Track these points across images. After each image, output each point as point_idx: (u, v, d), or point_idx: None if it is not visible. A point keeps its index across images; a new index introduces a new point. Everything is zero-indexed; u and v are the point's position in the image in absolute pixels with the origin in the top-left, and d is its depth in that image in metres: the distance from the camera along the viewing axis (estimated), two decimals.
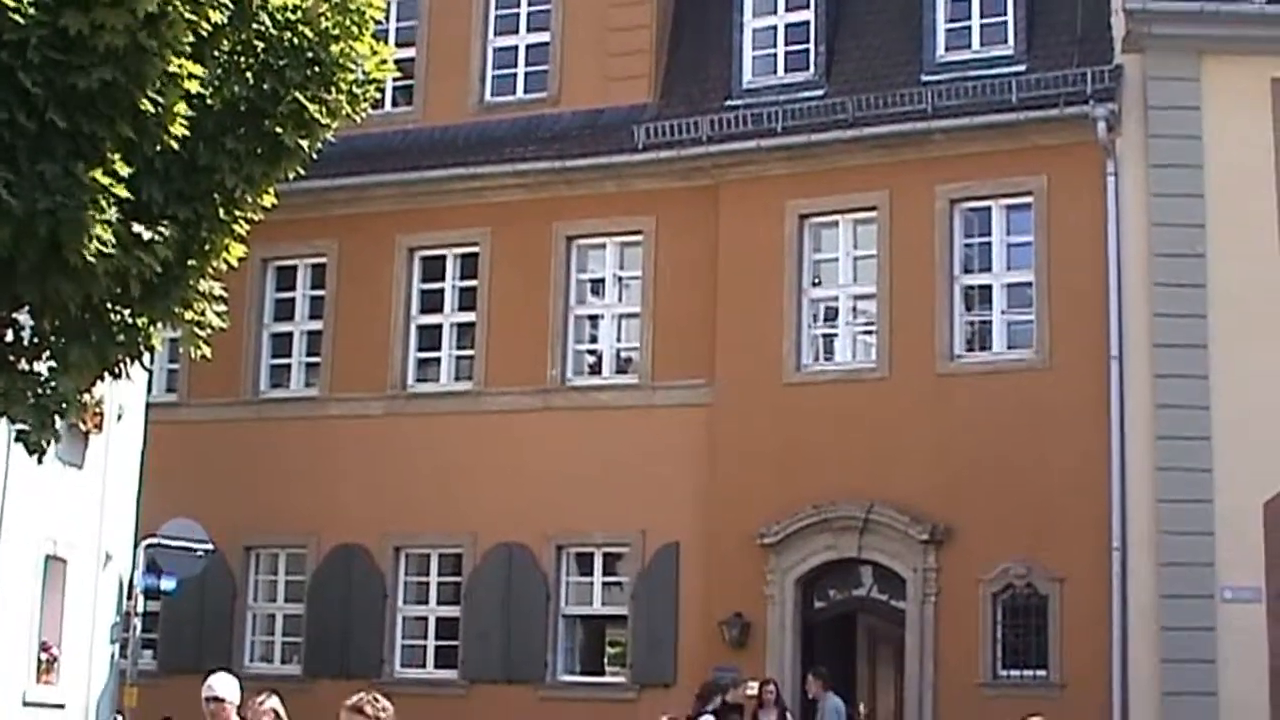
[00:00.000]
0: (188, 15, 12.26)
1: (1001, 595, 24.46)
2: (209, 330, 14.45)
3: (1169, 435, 23.45)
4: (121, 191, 12.22)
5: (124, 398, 24.37)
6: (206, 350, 14.54)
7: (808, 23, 27.22)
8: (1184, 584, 23.05)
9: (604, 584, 27.52)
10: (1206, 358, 23.47)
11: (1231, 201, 23.74)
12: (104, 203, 12.09)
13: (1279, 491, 23.03)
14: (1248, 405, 23.11)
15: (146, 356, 14.66)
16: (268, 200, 14.51)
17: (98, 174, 12.09)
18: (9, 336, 13.52)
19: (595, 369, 28.23)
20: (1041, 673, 24.06)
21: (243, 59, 13.75)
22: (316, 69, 13.87)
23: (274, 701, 11.58)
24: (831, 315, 26.67)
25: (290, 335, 30.09)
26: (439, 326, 29.03)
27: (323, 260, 29.72)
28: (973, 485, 24.50)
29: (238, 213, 14.14)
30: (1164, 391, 23.60)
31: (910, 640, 24.84)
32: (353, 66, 14.18)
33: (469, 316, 28.69)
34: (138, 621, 24.37)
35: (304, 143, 14.05)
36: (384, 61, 14.61)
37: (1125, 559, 23.60)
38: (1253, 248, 23.59)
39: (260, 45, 13.72)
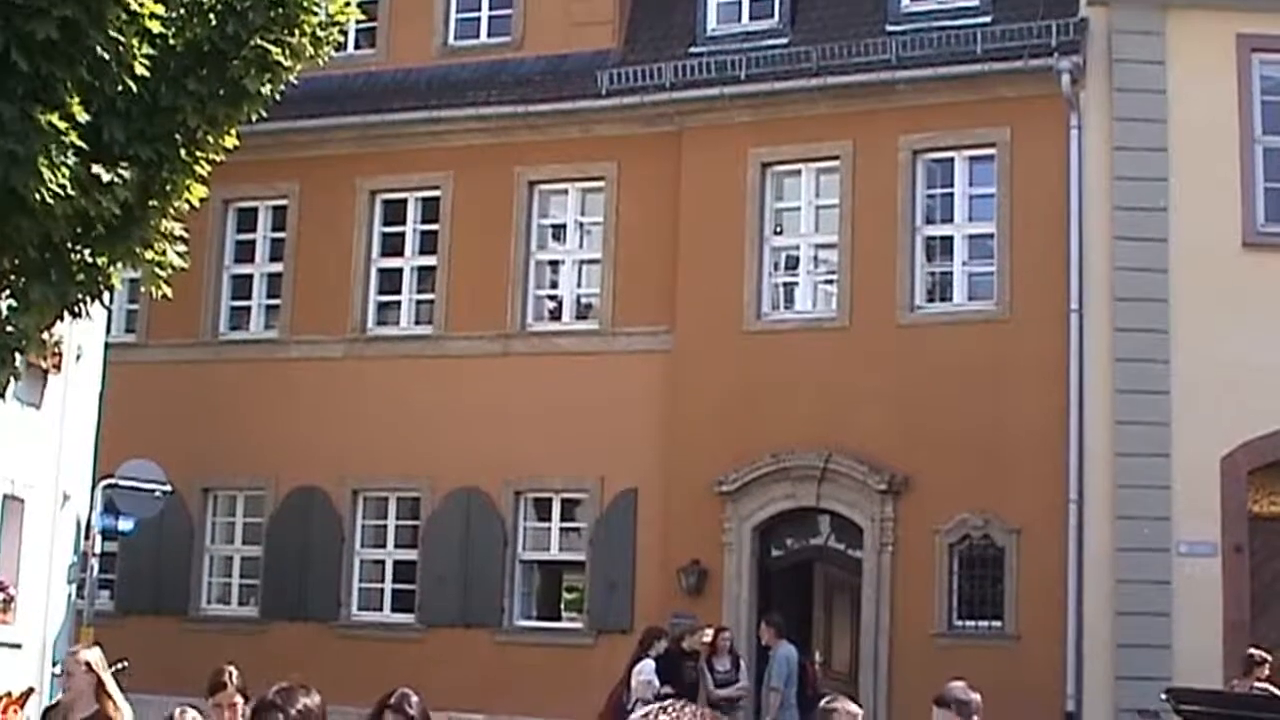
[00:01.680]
0: None
1: (958, 546, 24.55)
2: (169, 270, 14.40)
3: (1128, 389, 23.52)
4: (75, 139, 12.16)
5: (83, 338, 24.23)
6: (167, 290, 14.49)
7: None
8: (1140, 537, 23.15)
9: (561, 530, 27.54)
10: (1167, 312, 23.53)
11: (1195, 156, 23.77)
12: (61, 146, 12.03)
13: (1236, 447, 23.30)
14: (1207, 360, 23.19)
15: (106, 296, 14.64)
16: (229, 142, 14.45)
17: (54, 118, 12.03)
18: None
19: (555, 314, 28.20)
20: (997, 624, 24.17)
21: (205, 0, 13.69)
22: (280, 11, 13.80)
23: (91, 654, 11.61)
24: (793, 264, 26.67)
25: (250, 277, 30.00)
26: (399, 270, 28.96)
27: (284, 202, 29.61)
28: (931, 436, 24.56)
29: (199, 154, 14.08)
30: (1123, 345, 23.66)
31: (867, 589, 24.93)
32: (316, 9, 14.11)
33: (430, 260, 28.62)
34: (95, 562, 24.29)
35: (266, 85, 14.00)
36: (347, 4, 14.54)
37: (1082, 512, 23.67)
38: (1215, 202, 23.64)
39: None
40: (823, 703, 7.68)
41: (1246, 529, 23.30)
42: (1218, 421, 23.05)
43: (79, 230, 13.05)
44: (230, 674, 11.51)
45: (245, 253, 30.04)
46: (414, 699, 8.43)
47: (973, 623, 24.38)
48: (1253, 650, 19.87)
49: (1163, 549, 23.07)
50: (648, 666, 21.37)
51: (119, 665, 19.87)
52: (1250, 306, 23.31)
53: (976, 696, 8.83)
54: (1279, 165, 24.01)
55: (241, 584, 29.24)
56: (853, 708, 8.24)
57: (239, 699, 11.23)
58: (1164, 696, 17.55)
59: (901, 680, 24.30)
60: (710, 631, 23.18)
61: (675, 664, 21.78)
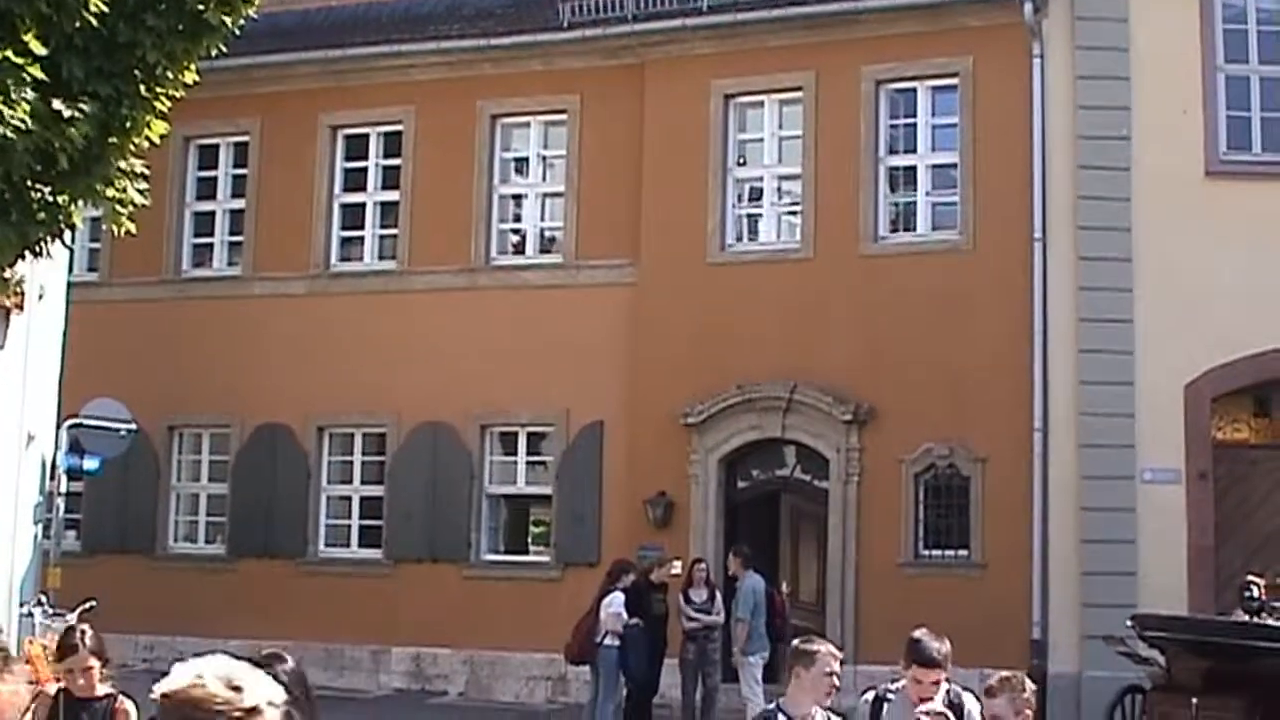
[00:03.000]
0: None
1: (924, 475, 24.63)
2: (131, 208, 14.31)
3: (1091, 318, 23.57)
4: (36, 72, 12.06)
5: (45, 277, 24.08)
6: (131, 226, 14.40)
7: None
8: (1105, 465, 23.25)
9: (528, 463, 27.56)
10: (1130, 241, 23.56)
11: (1157, 84, 23.77)
12: (20, 81, 11.93)
13: (1199, 374, 23.38)
14: (1170, 288, 23.25)
15: (68, 235, 14.55)
16: (189, 77, 14.34)
17: (10, 54, 11.93)
18: None
19: (519, 248, 28.16)
20: (963, 552, 24.28)
21: None
22: None
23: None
24: (756, 195, 26.64)
25: (212, 214, 29.89)
26: (362, 205, 28.88)
27: (245, 138, 29.50)
28: (896, 366, 24.61)
29: (159, 90, 13.97)
30: (1087, 274, 23.70)
31: (833, 520, 25.00)
32: None
33: (392, 195, 28.55)
34: (61, 502, 24.20)
35: (226, 19, 13.88)
36: None
37: (1047, 440, 23.74)
38: (1177, 131, 23.65)
39: None
40: (800, 644, 7.66)
41: (1210, 455, 23.40)
42: (1181, 349, 23.13)
43: (39, 168, 12.94)
44: (84, 635, 9.99)
45: (207, 190, 29.93)
46: (288, 663, 6.84)
47: (939, 552, 24.49)
48: (1249, 578, 19.93)
49: (1127, 476, 23.17)
50: (617, 599, 21.49)
51: (86, 605, 19.92)
52: (1213, 234, 23.35)
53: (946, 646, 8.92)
54: (1241, 93, 24.01)
55: (208, 522, 29.24)
56: (834, 649, 8.32)
57: (94, 662, 9.85)
58: (1129, 623, 17.65)
59: (868, 610, 24.41)
60: (678, 563, 23.26)
61: (644, 596, 21.92)
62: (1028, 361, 23.90)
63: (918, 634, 9.07)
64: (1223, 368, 23.24)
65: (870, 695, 8.57)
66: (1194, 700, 16.11)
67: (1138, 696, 17.29)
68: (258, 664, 4.58)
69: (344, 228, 28.91)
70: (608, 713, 21.48)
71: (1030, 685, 8.02)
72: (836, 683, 8.66)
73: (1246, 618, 18.29)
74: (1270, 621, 17.44)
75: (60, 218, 13.80)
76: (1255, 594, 18.92)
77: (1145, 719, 16.97)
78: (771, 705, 7.93)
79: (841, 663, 8.87)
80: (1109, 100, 23.83)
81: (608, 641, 21.43)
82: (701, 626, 22.23)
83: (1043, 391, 23.81)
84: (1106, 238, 23.59)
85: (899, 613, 24.00)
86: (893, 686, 9.28)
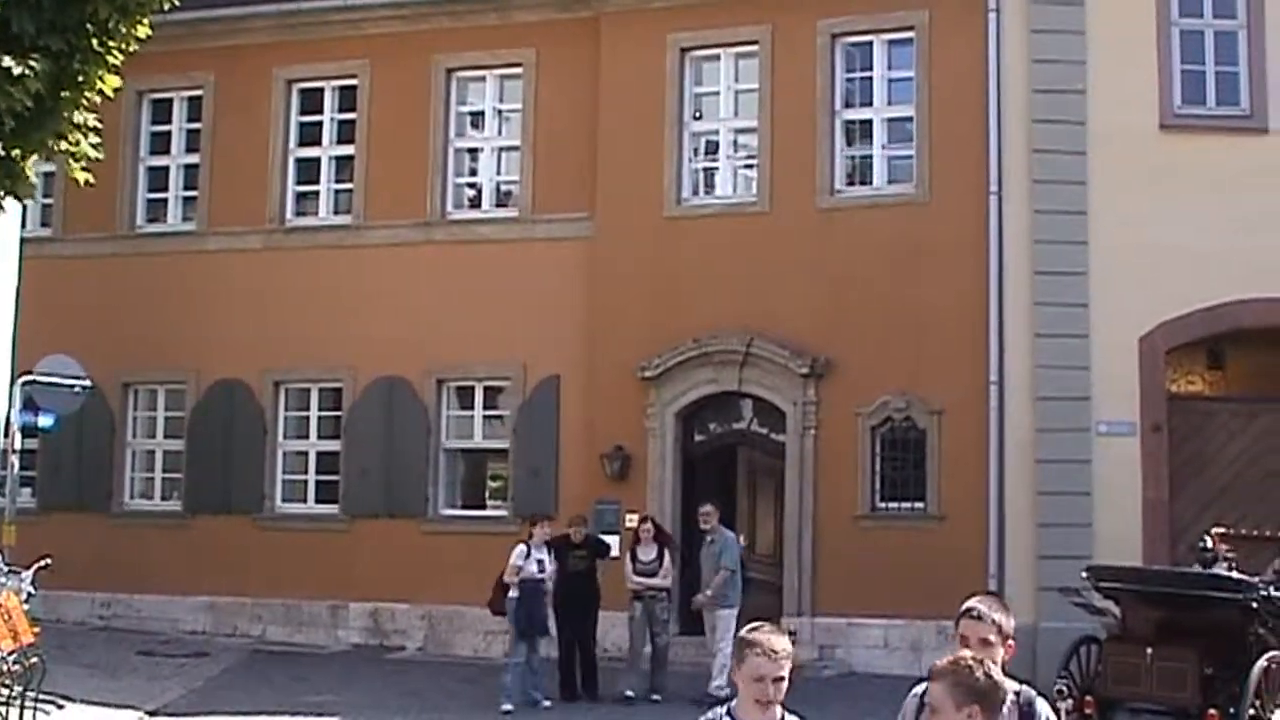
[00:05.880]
0: None
1: (880, 428, 24.69)
2: (85, 161, 14.26)
3: (1046, 271, 23.63)
4: None
5: None
6: (88, 176, 14.35)
7: None
8: (1060, 417, 23.34)
9: (485, 417, 27.53)
10: (1085, 194, 23.63)
11: (1112, 38, 23.80)
12: None
13: (1154, 327, 23.49)
14: (1125, 242, 23.32)
15: (21, 190, 14.48)
16: (142, 31, 14.29)
17: None
18: None
19: (475, 202, 28.09)
20: (919, 505, 24.35)
21: None
22: None
23: None
24: (712, 149, 26.60)
25: (166, 169, 29.73)
26: (317, 160, 28.77)
27: (199, 93, 29.35)
28: (853, 319, 24.65)
29: (111, 44, 13.93)
30: (1042, 227, 23.75)
31: (790, 473, 25.05)
32: None
33: (348, 150, 28.44)
34: (16, 459, 24.12)
35: None
36: None
37: (1003, 393, 23.80)
38: (1132, 85, 23.70)
39: None
40: (744, 633, 6.52)
41: (1165, 408, 23.52)
42: (1136, 302, 23.21)
43: None
44: None
45: (161, 144, 29.79)
46: None
47: (895, 504, 24.55)
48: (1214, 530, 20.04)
49: (1082, 429, 23.28)
50: (517, 551, 21.65)
51: (42, 563, 19.87)
52: (1167, 188, 23.43)
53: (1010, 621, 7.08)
54: (1196, 48, 24.07)
55: (164, 478, 29.14)
56: (775, 644, 6.34)
57: None
58: (1084, 574, 17.75)
59: (826, 562, 24.50)
60: (634, 517, 23.35)
61: (561, 553, 22.04)
62: (983, 314, 23.94)
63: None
64: (1177, 320, 23.34)
65: (919, 689, 6.99)
66: (1148, 650, 16.23)
67: (1093, 647, 17.38)
68: None
69: (299, 182, 28.80)
70: (512, 663, 21.46)
71: (996, 619, 7.17)
72: (772, 693, 6.53)
73: (1200, 568, 18.42)
74: (1222, 572, 17.55)
75: (13, 173, 13.75)
76: (1209, 545, 19.05)
77: (1100, 669, 17.05)
78: (722, 709, 6.90)
79: (793, 636, 7.06)
80: (1064, 54, 23.87)
81: (511, 593, 21.58)
82: (645, 588, 22.18)
83: (998, 344, 23.86)
84: (1061, 191, 23.64)
85: (856, 565, 24.18)
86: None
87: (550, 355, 26.49)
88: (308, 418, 28.35)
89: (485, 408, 27.50)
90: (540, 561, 21.72)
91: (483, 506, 27.58)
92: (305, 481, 28.22)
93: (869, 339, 24.49)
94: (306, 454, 28.33)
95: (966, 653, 6.31)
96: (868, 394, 24.52)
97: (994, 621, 6.92)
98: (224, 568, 27.57)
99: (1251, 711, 15.23)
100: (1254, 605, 15.72)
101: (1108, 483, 23.08)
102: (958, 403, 24.06)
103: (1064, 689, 16.66)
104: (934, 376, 24.22)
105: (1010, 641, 6.93)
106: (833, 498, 24.65)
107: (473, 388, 27.49)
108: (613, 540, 23.88)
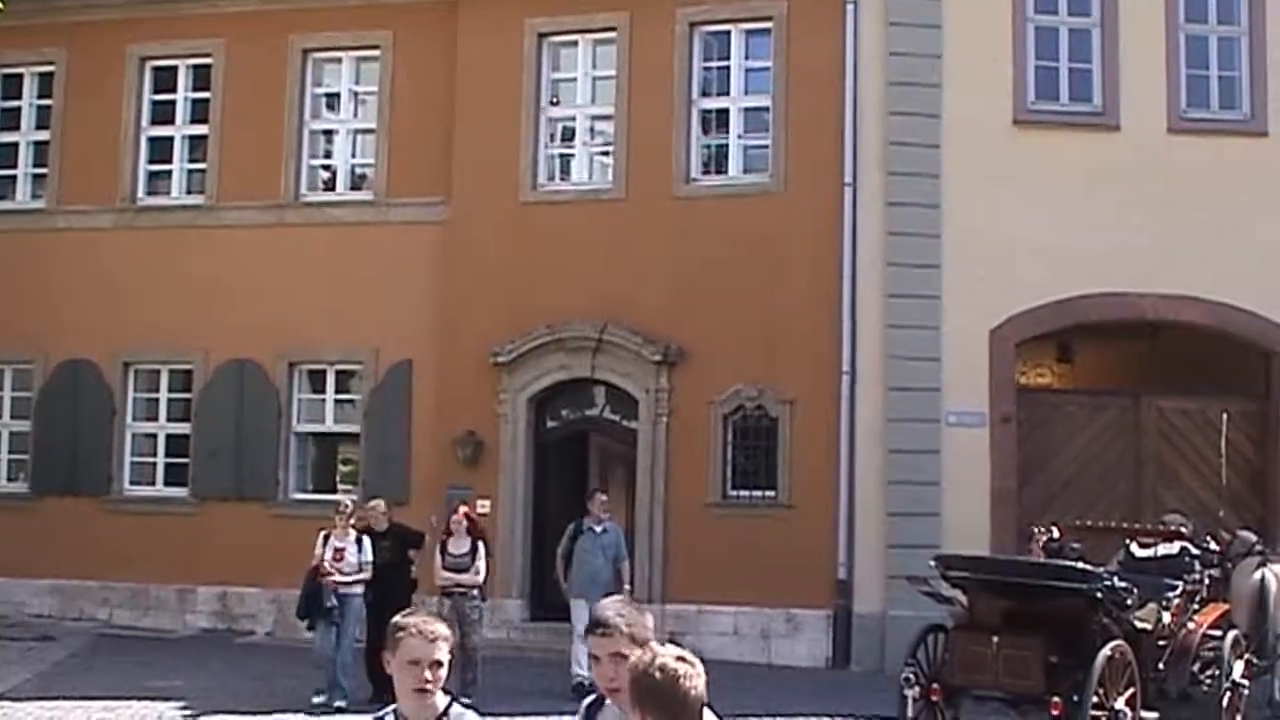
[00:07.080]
0: None
1: (732, 416, 24.78)
2: None
3: (899, 262, 23.81)
4: None
5: None
6: None
7: None
8: (910, 408, 23.53)
9: (336, 401, 27.38)
10: (938, 187, 23.83)
11: (968, 33, 24.01)
12: None
13: (1004, 320, 23.74)
14: (977, 235, 23.55)
15: None
16: None
17: None
18: None
19: (330, 185, 27.91)
20: (770, 493, 24.46)
21: None
22: None
23: None
24: (569, 135, 26.59)
25: (16, 146, 29.30)
26: (170, 139, 28.46)
27: (50, 69, 28.93)
28: (706, 307, 24.71)
29: None
30: (895, 219, 23.93)
31: (642, 460, 25.09)
32: None
33: (201, 129, 28.16)
34: None
35: None
36: None
37: (854, 382, 23.96)
38: (986, 80, 23.93)
39: None
40: (397, 618, 5.66)
41: (1014, 400, 23.76)
42: (987, 295, 23.44)
43: None
44: None
45: (10, 120, 29.35)
46: None
47: (747, 492, 24.65)
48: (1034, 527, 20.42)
49: (932, 419, 23.48)
50: (320, 539, 20.66)
51: None
52: (1019, 182, 23.69)
53: None
54: (1050, 44, 24.33)
55: (10, 459, 28.75)
56: (431, 629, 5.58)
57: None
58: (932, 563, 17.86)
59: (677, 550, 24.56)
60: (486, 503, 23.21)
61: (373, 544, 20.83)
62: (836, 305, 24.08)
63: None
64: (1027, 313, 23.59)
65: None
66: (994, 638, 16.34)
67: (940, 635, 17.49)
68: None
69: (151, 161, 28.48)
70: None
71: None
72: (429, 677, 5.97)
73: (1045, 558, 18.62)
74: (1068, 562, 17.75)
75: None
76: (1055, 535, 19.27)
77: (947, 657, 17.18)
78: (387, 711, 6.02)
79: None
80: (920, 47, 24.06)
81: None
82: (453, 584, 20.52)
83: (851, 335, 24.01)
84: (915, 183, 23.83)
85: (707, 552, 24.25)
86: None
87: (403, 339, 26.38)
88: (157, 399, 28.04)
89: (337, 391, 27.35)
90: (339, 550, 20.41)
91: (334, 490, 27.35)
92: (154, 464, 27.93)
93: (722, 327, 24.56)
94: (155, 436, 28.03)
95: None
96: (720, 382, 24.60)
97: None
98: (71, 550, 27.24)
99: (1095, 699, 15.39)
100: (1099, 595, 15.88)
101: (957, 473, 23.30)
102: (809, 392, 24.19)
103: (911, 677, 16.74)
104: (786, 366, 24.34)
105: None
106: (684, 485, 24.72)
107: (324, 371, 27.33)
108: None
